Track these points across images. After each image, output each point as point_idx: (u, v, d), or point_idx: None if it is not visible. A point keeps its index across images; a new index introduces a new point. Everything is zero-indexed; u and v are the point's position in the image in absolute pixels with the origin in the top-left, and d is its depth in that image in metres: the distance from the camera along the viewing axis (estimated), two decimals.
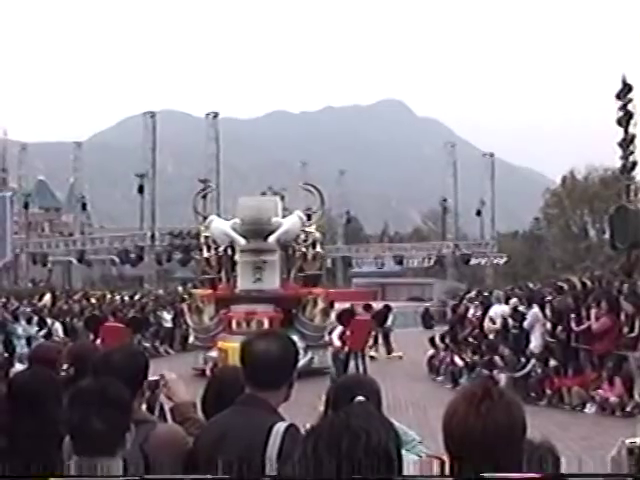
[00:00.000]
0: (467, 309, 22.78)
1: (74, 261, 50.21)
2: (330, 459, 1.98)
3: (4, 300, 27.62)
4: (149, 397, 3.91)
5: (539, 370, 16.40)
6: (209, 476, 3.11)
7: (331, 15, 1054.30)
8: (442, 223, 57.24)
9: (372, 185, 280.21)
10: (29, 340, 20.90)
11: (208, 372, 17.74)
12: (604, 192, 57.95)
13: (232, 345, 16.12)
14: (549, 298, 18.26)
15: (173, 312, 28.92)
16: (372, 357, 22.81)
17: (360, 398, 3.40)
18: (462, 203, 55.70)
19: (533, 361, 16.65)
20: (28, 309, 24.81)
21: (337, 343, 19.33)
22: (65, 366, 4.69)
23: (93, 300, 31.10)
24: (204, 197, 26.96)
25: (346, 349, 18.93)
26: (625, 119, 27.31)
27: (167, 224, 55.08)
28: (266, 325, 19.27)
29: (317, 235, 22.81)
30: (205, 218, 22.43)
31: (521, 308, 18.42)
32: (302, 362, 19.06)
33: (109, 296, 33.35)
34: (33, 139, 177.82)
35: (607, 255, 40.20)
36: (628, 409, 14.24)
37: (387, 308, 26.39)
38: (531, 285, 27.06)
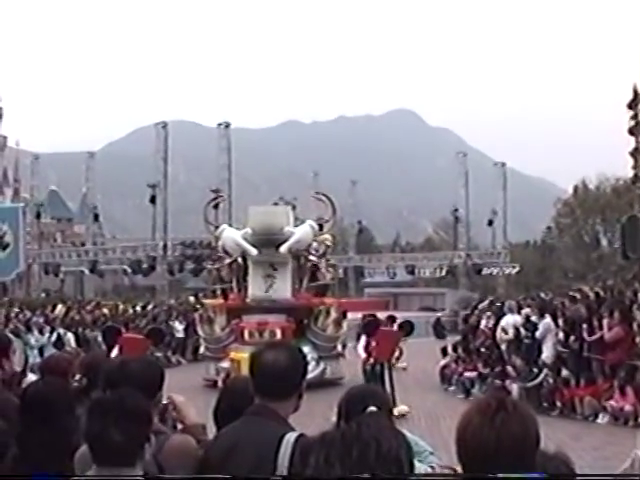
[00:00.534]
0: (479, 319, 22.70)
1: (86, 271, 50.21)
2: (342, 469, 1.98)
3: (17, 310, 27.72)
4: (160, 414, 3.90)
5: (551, 380, 16.36)
6: None
7: (343, 26, 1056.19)
8: (454, 233, 56.92)
9: (384, 195, 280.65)
10: (42, 350, 20.98)
11: (220, 383, 17.74)
12: (616, 202, 57.70)
13: (244, 355, 16.05)
14: (561, 308, 18.21)
15: (185, 322, 28.98)
16: (404, 369, 22.67)
17: (372, 408, 3.41)
18: (474, 213, 55.53)
19: (545, 371, 16.61)
20: (41, 319, 24.91)
21: (362, 354, 18.55)
22: (77, 377, 4.69)
23: (105, 310, 31.17)
24: (216, 207, 26.78)
25: (371, 360, 18.09)
26: (637, 129, 27.22)
27: (179, 234, 55.09)
28: (278, 335, 19.13)
29: (329, 244, 22.69)
30: (216, 228, 22.17)
31: (533, 318, 18.37)
32: (314, 373, 19.03)
33: (121, 306, 33.46)
34: (45, 149, 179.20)
35: (619, 264, 39.96)
36: None
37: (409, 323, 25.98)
38: (543, 295, 27.00)
